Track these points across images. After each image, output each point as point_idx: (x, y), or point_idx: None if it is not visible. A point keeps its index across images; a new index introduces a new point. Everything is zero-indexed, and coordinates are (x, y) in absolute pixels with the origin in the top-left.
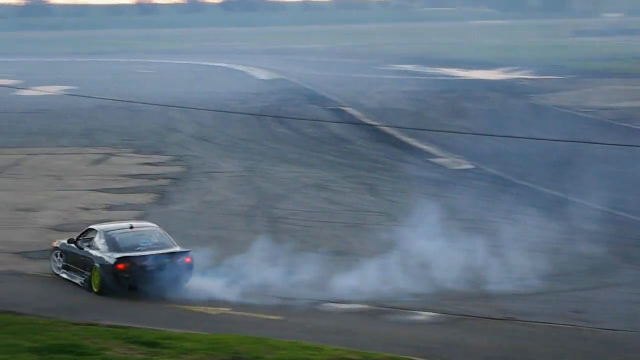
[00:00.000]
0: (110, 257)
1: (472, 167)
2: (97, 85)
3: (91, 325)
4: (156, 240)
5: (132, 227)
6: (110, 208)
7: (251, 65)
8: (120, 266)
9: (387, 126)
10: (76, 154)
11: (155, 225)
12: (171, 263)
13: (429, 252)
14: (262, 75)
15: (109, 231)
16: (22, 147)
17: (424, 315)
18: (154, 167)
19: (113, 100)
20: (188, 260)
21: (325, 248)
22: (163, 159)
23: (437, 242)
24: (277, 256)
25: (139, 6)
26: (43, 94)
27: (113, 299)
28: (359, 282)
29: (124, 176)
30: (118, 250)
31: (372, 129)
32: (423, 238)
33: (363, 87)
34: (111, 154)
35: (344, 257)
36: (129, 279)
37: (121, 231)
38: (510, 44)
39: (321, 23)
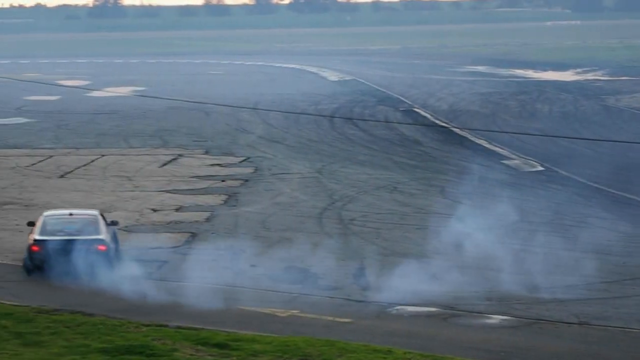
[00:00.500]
0: (32, 239)
1: (544, 168)
2: (167, 86)
3: (161, 326)
4: (80, 228)
5: (70, 214)
6: (180, 209)
7: (322, 66)
8: (34, 248)
9: (459, 127)
10: (147, 154)
11: (96, 213)
12: (80, 249)
13: (499, 255)
14: (333, 76)
15: (47, 216)
16: (93, 148)
17: (495, 319)
18: (224, 168)
19: (183, 101)
20: (101, 248)
21: (395, 250)
22: (233, 160)
23: (508, 244)
24: (347, 258)
25: (209, 7)
26: (114, 94)
27: (183, 299)
28: (428, 284)
29: (194, 177)
30: (42, 233)
31: (443, 131)
32: (494, 240)
33: (434, 89)
34: (181, 155)
35: (414, 259)
36: (39, 260)
37: (57, 217)
38: (584, 45)
39: (392, 24)
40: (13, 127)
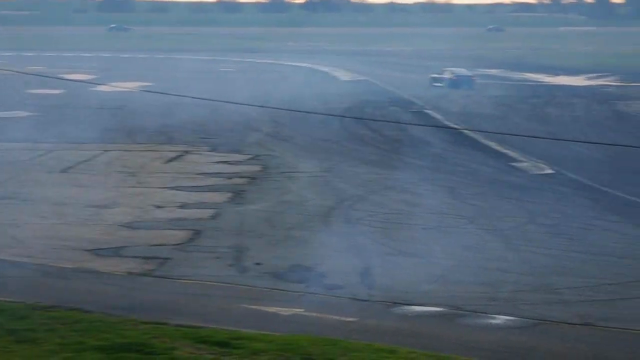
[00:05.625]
0: None
1: (553, 172)
2: (175, 82)
3: (160, 323)
4: None
5: None
6: (184, 206)
7: (334, 66)
8: None
9: (469, 129)
10: (151, 150)
11: None
12: None
13: (505, 256)
14: (345, 76)
15: None
16: (97, 143)
17: (500, 319)
18: (231, 165)
19: (191, 97)
20: None
21: (402, 249)
22: (240, 157)
23: (515, 245)
24: (354, 256)
25: (221, 4)
26: (120, 89)
27: (185, 297)
28: (434, 284)
29: (200, 174)
30: None
31: (454, 132)
32: (501, 242)
33: (446, 91)
34: (187, 152)
35: (420, 260)
36: None
37: None
38: (597, 51)
39: (406, 25)
40: (14, 120)
